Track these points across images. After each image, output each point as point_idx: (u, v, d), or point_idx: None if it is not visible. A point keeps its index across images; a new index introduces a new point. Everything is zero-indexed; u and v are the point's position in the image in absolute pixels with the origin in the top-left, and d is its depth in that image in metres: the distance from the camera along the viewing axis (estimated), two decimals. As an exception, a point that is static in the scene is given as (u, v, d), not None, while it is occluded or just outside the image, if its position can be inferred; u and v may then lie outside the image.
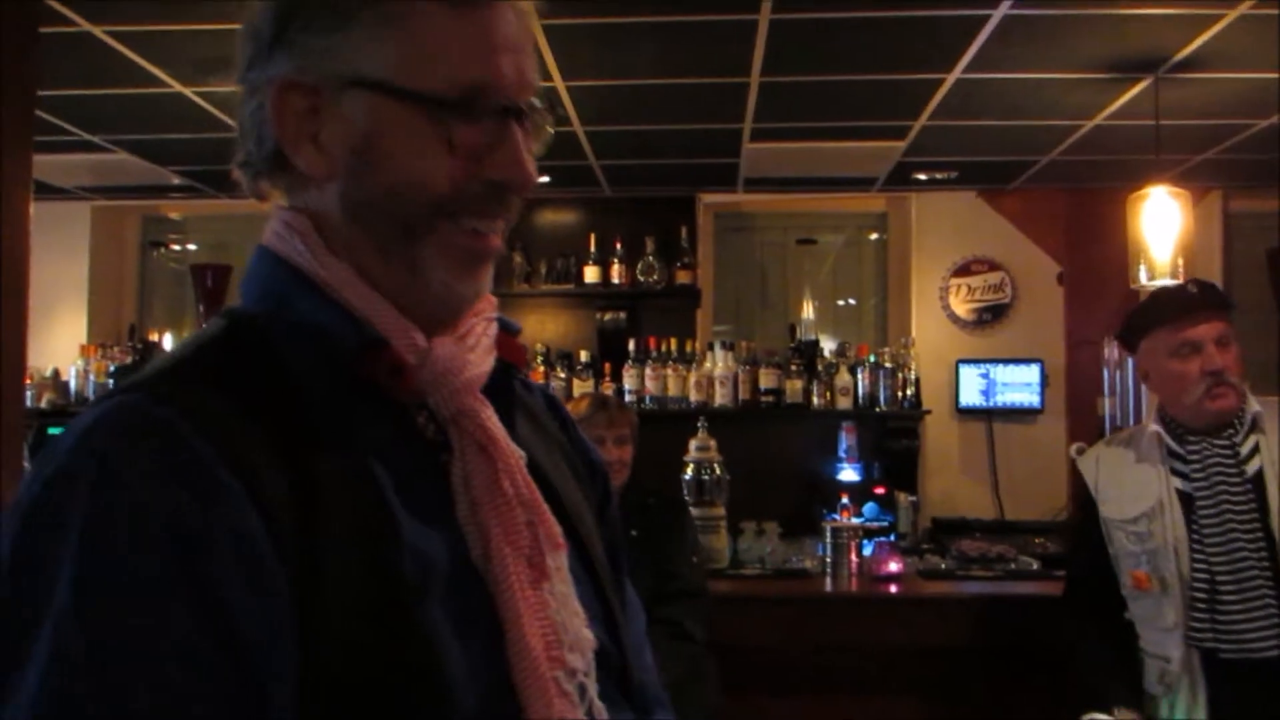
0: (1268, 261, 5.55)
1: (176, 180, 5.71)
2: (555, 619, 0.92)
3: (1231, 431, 2.78)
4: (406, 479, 0.88)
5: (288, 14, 0.90)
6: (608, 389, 5.55)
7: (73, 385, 6.00)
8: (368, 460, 0.86)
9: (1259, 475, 2.73)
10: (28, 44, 2.52)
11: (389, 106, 0.88)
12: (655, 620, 3.16)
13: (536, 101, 0.95)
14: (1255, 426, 2.79)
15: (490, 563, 0.90)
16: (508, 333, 1.02)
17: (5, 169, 2.42)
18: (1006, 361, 5.85)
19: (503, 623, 0.88)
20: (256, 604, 0.76)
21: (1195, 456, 2.79)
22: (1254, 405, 2.82)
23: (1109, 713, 2.77)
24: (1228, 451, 2.76)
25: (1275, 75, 3.92)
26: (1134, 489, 2.85)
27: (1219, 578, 2.67)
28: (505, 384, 1.01)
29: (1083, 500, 3.04)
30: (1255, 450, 2.76)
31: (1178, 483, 2.79)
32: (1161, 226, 4.21)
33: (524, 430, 1.03)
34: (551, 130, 0.99)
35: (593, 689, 0.93)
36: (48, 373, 5.96)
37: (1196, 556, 2.71)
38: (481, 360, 0.96)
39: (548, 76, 3.97)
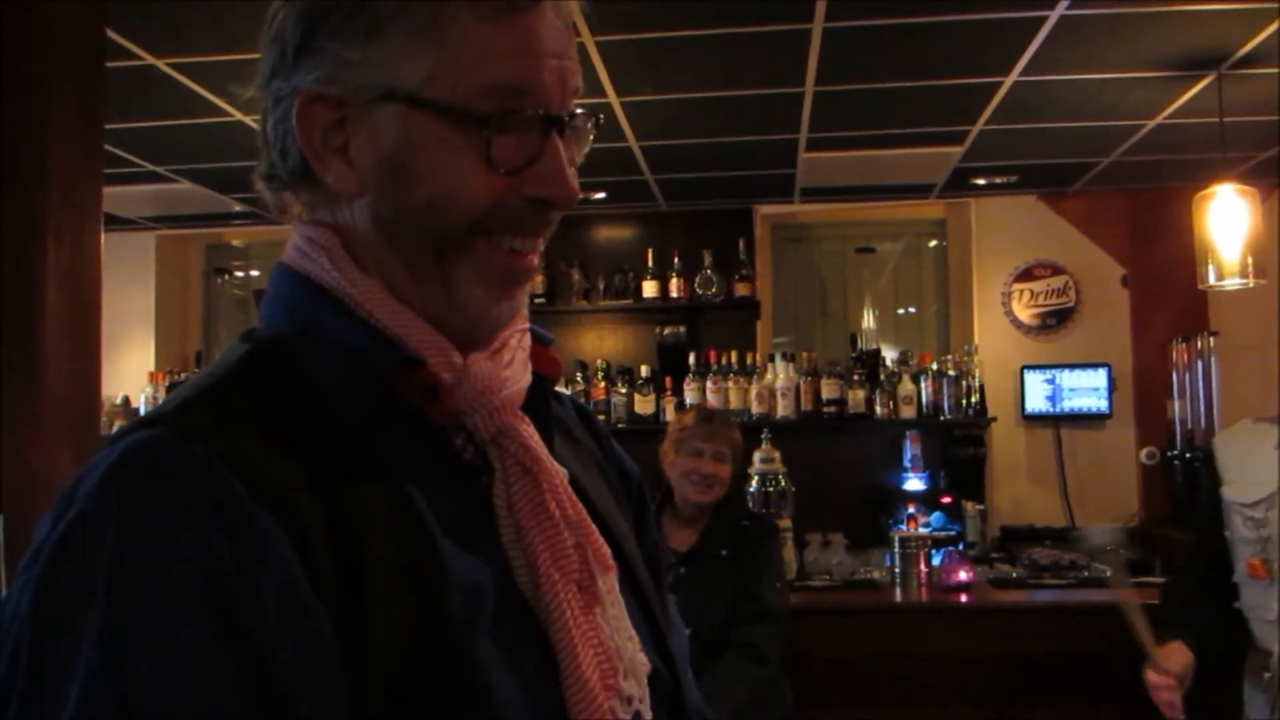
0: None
1: (238, 208, 5.79)
2: (609, 645, 0.88)
3: None
4: (447, 505, 0.84)
5: (315, 20, 0.84)
6: (669, 403, 5.55)
7: (142, 412, 6.09)
8: (406, 487, 0.82)
9: None
10: (96, 81, 2.57)
11: (423, 120, 0.83)
12: (733, 642, 3.15)
13: (578, 110, 0.89)
14: None
15: (540, 589, 0.86)
16: (541, 344, 0.98)
17: (77, 204, 2.47)
18: (1073, 366, 5.76)
19: (556, 653, 0.84)
20: (297, 652, 0.71)
21: None
22: None
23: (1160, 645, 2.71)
24: None
25: (1343, 67, 3.84)
26: (1260, 473, 2.74)
27: None
28: (541, 399, 0.96)
29: (1212, 478, 2.94)
30: None
31: None
32: (1229, 225, 4.13)
33: (561, 446, 0.99)
34: (593, 134, 0.93)
35: (647, 715, 0.90)
36: (118, 400, 6.07)
37: None
38: (519, 376, 0.92)
39: (601, 92, 3.98)
